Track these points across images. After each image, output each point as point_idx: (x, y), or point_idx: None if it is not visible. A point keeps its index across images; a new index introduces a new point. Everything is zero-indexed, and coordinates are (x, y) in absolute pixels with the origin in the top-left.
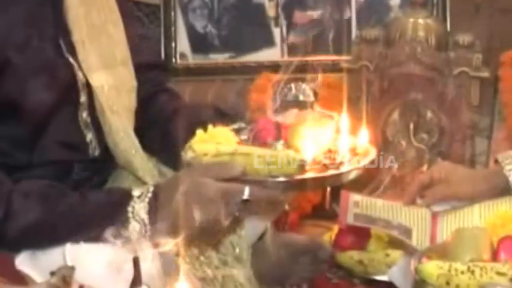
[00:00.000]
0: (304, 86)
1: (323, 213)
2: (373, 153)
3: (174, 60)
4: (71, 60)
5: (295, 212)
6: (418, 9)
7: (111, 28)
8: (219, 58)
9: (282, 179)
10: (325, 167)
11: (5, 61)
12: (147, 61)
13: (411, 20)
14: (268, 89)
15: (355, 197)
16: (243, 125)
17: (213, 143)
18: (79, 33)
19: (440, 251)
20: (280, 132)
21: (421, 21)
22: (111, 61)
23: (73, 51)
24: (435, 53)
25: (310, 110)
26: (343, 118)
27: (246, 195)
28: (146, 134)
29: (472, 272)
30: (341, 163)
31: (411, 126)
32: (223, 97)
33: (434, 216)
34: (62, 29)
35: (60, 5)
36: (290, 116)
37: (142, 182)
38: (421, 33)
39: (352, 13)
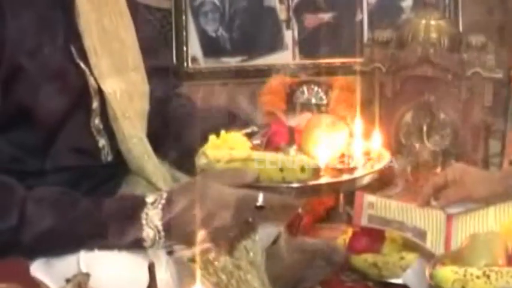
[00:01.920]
0: (316, 88)
1: (336, 215)
2: (387, 157)
3: (185, 64)
4: (83, 66)
5: (309, 215)
6: (430, 10)
7: (122, 33)
8: (231, 62)
9: (295, 184)
10: (339, 172)
11: (16, 67)
12: (159, 66)
13: (423, 21)
14: (281, 92)
15: (370, 198)
16: (255, 128)
17: (226, 148)
18: (90, 38)
19: (455, 257)
20: (293, 136)
21: (433, 22)
22: (123, 66)
23: (85, 57)
24: (448, 55)
25: (323, 114)
26: (357, 122)
27: (260, 202)
28: (159, 139)
29: (488, 277)
30: (355, 168)
31: (424, 128)
32: (235, 101)
33: (449, 218)
34: (73, 35)
35: (72, 10)
36: (303, 120)
37: (155, 187)
38: (434, 35)
39: (364, 15)
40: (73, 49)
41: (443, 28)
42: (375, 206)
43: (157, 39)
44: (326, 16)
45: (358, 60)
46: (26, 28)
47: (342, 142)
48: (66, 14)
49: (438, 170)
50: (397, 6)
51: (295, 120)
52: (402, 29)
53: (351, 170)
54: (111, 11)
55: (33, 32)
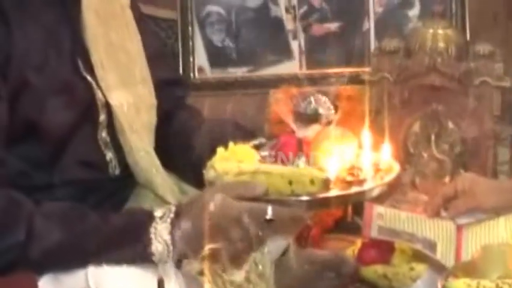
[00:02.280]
0: (323, 98)
1: (345, 226)
2: (396, 169)
3: (192, 74)
4: (90, 79)
5: (318, 226)
6: (437, 19)
7: (129, 46)
8: (238, 72)
9: (305, 197)
10: (349, 184)
11: (23, 81)
12: (167, 77)
13: (431, 30)
14: (288, 102)
15: (379, 209)
16: (263, 140)
17: (234, 161)
18: (97, 52)
19: (468, 269)
20: (302, 148)
21: (440, 31)
22: (130, 79)
23: (91, 71)
24: (455, 64)
25: (331, 125)
26: (365, 133)
27: (269, 215)
28: (167, 151)
29: None
30: (364, 180)
31: (432, 137)
32: (242, 111)
33: (459, 229)
34: (80, 48)
35: (78, 24)
36: (311, 131)
37: (163, 200)
38: (441, 44)
39: (370, 24)
40: (80, 63)
41: (450, 37)
42: (384, 217)
43: (163, 50)
44: (333, 26)
45: (366, 69)
46: (32, 43)
47: (351, 154)
48: (73, 28)
49: (447, 179)
50: (403, 15)
51: (304, 132)
52: (409, 38)
53: (361, 182)
54: (118, 24)
55: (39, 46)
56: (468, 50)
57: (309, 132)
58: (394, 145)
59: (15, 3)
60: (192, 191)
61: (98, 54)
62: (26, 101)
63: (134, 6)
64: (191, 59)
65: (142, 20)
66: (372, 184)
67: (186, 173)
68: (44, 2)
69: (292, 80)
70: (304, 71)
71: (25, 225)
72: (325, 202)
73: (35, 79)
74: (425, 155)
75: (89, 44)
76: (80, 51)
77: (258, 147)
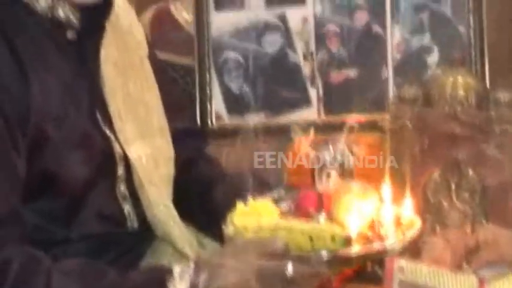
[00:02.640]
0: (342, 146)
1: (366, 276)
2: (417, 224)
3: (209, 121)
4: (108, 132)
5: (337, 277)
6: (456, 67)
7: (147, 96)
8: (255, 119)
9: (325, 254)
10: (370, 240)
11: (42, 135)
12: (184, 127)
13: (450, 78)
14: (306, 150)
15: (400, 262)
16: (282, 192)
17: (254, 216)
18: (115, 104)
19: None
20: (322, 202)
21: (460, 79)
22: (149, 131)
23: (110, 123)
24: (476, 112)
25: (351, 178)
26: (386, 187)
27: (289, 272)
28: (185, 204)
29: None
30: (385, 236)
31: (453, 186)
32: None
33: (482, 282)
34: (98, 101)
35: (97, 76)
36: (332, 184)
37: (182, 253)
38: (461, 92)
39: (389, 71)
40: (98, 115)
41: (470, 85)
42: (405, 271)
43: (181, 100)
44: (351, 72)
45: (385, 117)
46: (51, 96)
47: (372, 209)
48: (91, 81)
49: (468, 229)
50: (422, 62)
51: (324, 185)
52: (429, 86)
53: (382, 238)
54: (136, 75)
55: (58, 99)
56: (488, 98)
57: (328, 185)
58: (414, 193)
59: (34, 56)
60: (210, 243)
61: (116, 106)
62: (44, 155)
63: (152, 56)
64: (208, 106)
65: (160, 70)
66: (393, 240)
67: (204, 225)
68: (62, 55)
69: (310, 126)
70: (323, 117)
71: (44, 282)
72: (346, 259)
73: (54, 132)
74: (445, 204)
75: (107, 96)
76: (98, 103)
77: (277, 201)
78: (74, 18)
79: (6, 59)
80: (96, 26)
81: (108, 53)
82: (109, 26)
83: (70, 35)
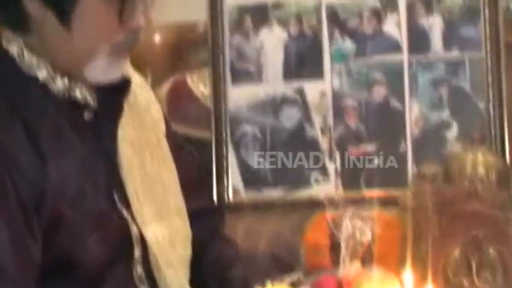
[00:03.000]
0: (360, 223)
1: None
2: None
3: (226, 196)
4: (125, 213)
5: None
6: (476, 144)
7: (165, 175)
8: (273, 193)
9: None
10: None
11: (58, 217)
12: (201, 207)
13: (470, 155)
14: (324, 227)
15: None
16: (301, 275)
17: None
18: (133, 185)
19: None
20: None
21: (480, 156)
22: (166, 211)
23: (127, 204)
24: (496, 190)
25: (372, 267)
26: (407, 274)
27: None
28: (200, 283)
29: None
30: None
31: (473, 265)
32: (278, 236)
33: None
34: (115, 181)
35: (114, 156)
36: (352, 271)
37: None
38: (481, 170)
39: (407, 146)
40: (115, 196)
41: (490, 162)
42: None
43: (199, 178)
44: (369, 147)
45: (403, 193)
46: (68, 177)
47: None
48: (109, 161)
49: None
50: (441, 137)
51: (343, 269)
52: (448, 163)
53: None
54: (153, 154)
55: (75, 180)
56: (509, 175)
57: (348, 270)
58: (434, 272)
59: (51, 137)
60: None
61: (134, 186)
62: (60, 237)
63: (170, 134)
64: (225, 180)
65: (177, 147)
66: None
67: None
68: (78, 135)
69: (328, 202)
70: (341, 193)
71: None
72: None
73: (70, 214)
74: (466, 283)
75: (124, 176)
76: (115, 183)
77: (295, 284)
78: (90, 99)
79: (22, 142)
80: (113, 105)
81: (125, 132)
82: (126, 105)
83: (87, 115)
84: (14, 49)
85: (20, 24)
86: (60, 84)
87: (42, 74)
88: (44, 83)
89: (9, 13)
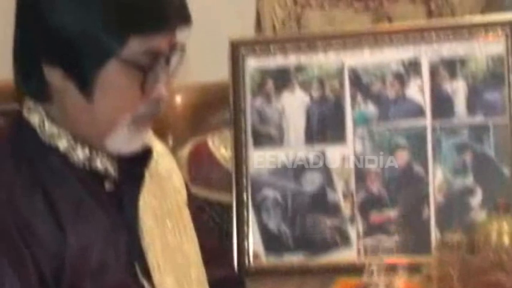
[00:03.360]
0: None
1: None
2: None
3: (247, 260)
4: (146, 285)
5: None
6: (501, 211)
7: (186, 246)
8: (294, 258)
9: None
10: None
11: None
12: (222, 276)
13: (495, 224)
14: None
15: None
16: None
17: None
18: (154, 256)
19: None
20: None
21: (505, 226)
22: (187, 282)
23: (148, 275)
24: None
25: None
26: None
27: None
28: None
29: None
30: None
31: None
32: None
33: None
34: (136, 253)
35: (135, 225)
36: None
37: None
38: (506, 240)
39: (431, 212)
40: (137, 267)
41: None
42: None
43: (219, 246)
44: (391, 213)
45: (427, 260)
46: (88, 249)
47: None
48: (129, 231)
49: None
50: (465, 204)
51: None
52: (473, 232)
53: None
54: (175, 224)
55: (96, 252)
56: None
57: None
58: None
59: (71, 209)
60: None
61: (156, 258)
62: None
63: (190, 203)
64: (246, 245)
65: (199, 215)
66: None
67: None
68: (99, 205)
69: (350, 268)
70: (362, 258)
71: None
72: None
73: (91, 286)
74: None
75: (146, 248)
76: (136, 255)
77: None
78: (111, 169)
79: (43, 213)
80: (134, 175)
81: (147, 202)
82: (147, 173)
83: (108, 185)
84: (35, 119)
85: (42, 94)
86: (80, 154)
87: (62, 144)
88: (64, 153)
89: (31, 83)
